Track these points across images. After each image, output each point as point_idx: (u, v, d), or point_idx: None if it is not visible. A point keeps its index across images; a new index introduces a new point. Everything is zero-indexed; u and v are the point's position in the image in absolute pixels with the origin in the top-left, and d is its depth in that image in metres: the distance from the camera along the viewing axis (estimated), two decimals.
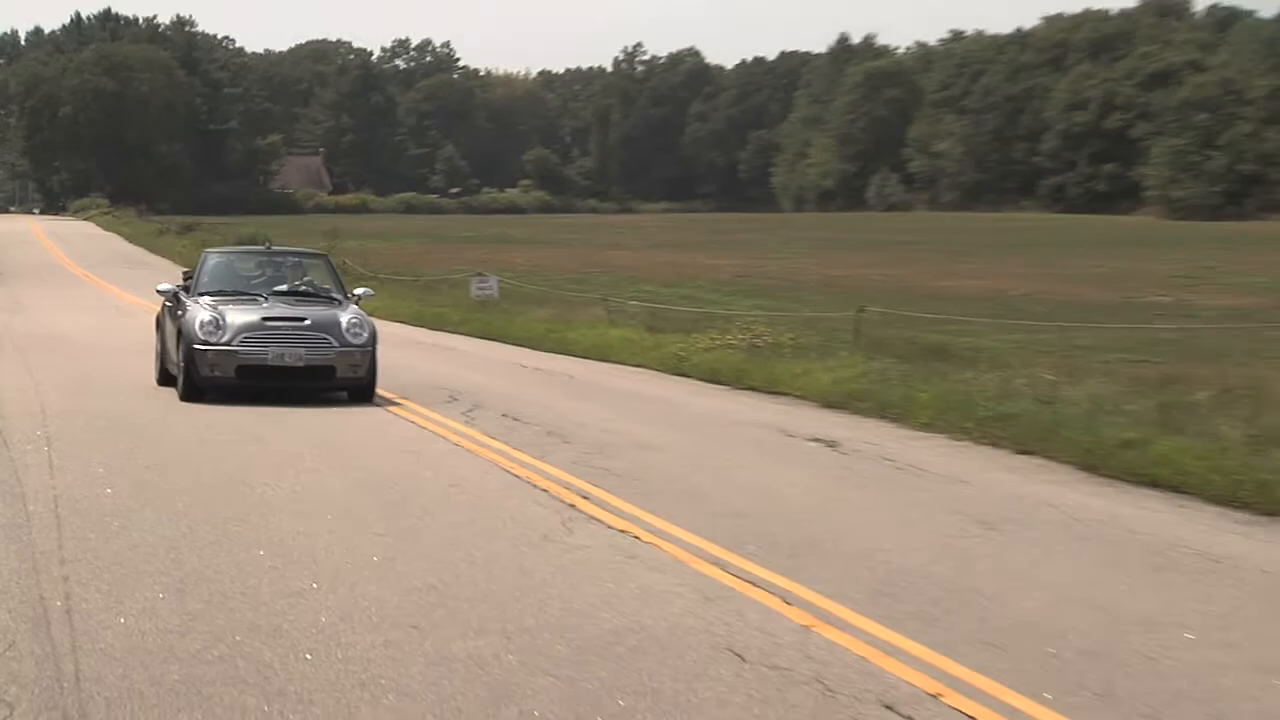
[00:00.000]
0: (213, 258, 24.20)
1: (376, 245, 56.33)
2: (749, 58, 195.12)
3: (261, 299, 22.29)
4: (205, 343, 20.75)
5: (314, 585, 10.73)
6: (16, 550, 11.52)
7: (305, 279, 23.42)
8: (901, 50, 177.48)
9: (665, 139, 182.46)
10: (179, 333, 21.45)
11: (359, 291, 23.66)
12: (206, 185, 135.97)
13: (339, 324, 21.43)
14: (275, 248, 26.16)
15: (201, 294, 22.17)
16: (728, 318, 29.70)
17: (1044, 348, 25.04)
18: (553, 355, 29.97)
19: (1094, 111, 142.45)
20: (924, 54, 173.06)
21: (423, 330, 36.36)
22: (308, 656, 8.86)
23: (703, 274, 51.38)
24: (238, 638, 9.24)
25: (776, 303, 36.24)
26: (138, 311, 38.27)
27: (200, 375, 20.88)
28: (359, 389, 21.63)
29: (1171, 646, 9.51)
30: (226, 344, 20.78)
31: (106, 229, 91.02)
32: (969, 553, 12.22)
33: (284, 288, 22.82)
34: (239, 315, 21.31)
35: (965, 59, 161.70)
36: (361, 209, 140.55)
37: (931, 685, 8.44)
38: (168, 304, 23.00)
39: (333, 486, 15.09)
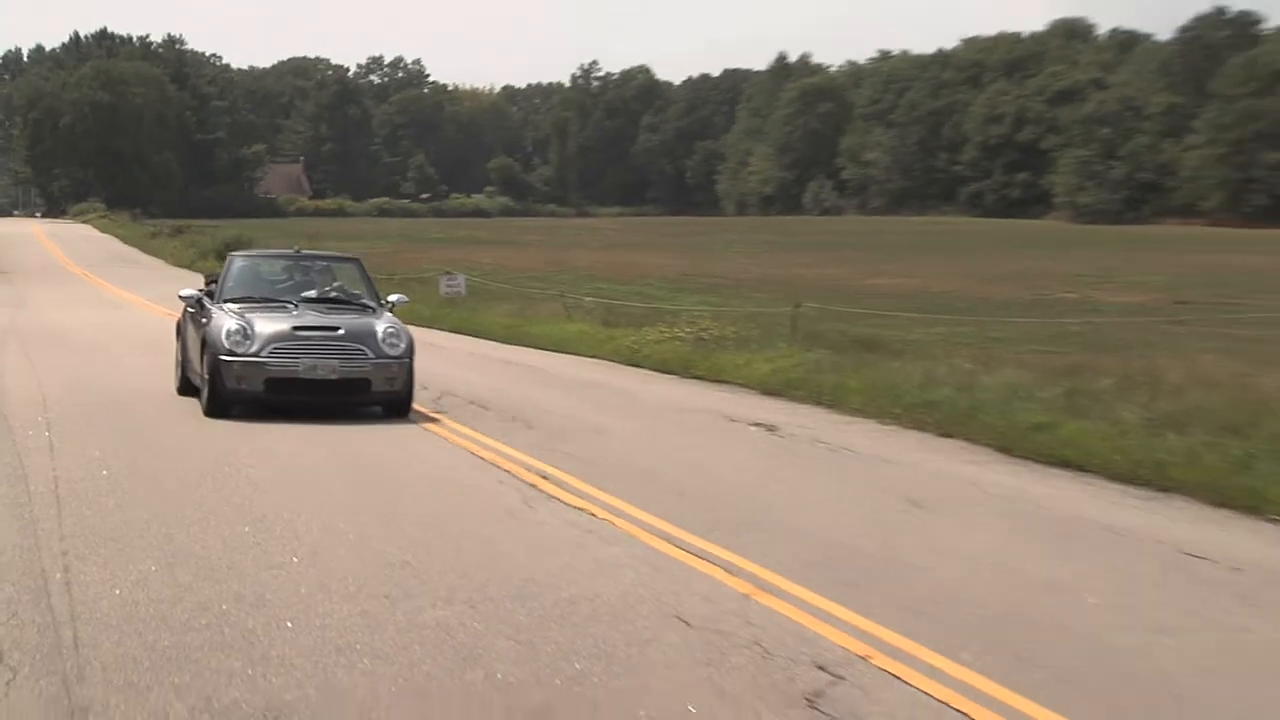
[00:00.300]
0: (238, 262, 20.84)
1: (353, 246, 55.84)
2: (695, 74, 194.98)
3: (291, 306, 19.11)
4: (232, 353, 17.80)
5: (294, 559, 10.72)
6: (19, 527, 11.46)
7: (336, 284, 20.24)
8: (834, 68, 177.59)
9: (618, 148, 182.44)
10: (203, 342, 18.38)
11: (393, 298, 20.38)
12: (196, 191, 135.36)
13: (374, 334, 18.37)
14: (305, 251, 22.09)
15: (227, 300, 19.13)
16: (675, 313, 29.63)
17: (963, 340, 25.13)
18: (516, 348, 29.72)
19: (1008, 125, 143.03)
20: (855, 72, 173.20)
21: None
22: (288, 625, 8.83)
23: (652, 273, 51.34)
24: (224, 607, 9.21)
25: (720, 299, 36.27)
26: (132, 307, 38.26)
27: (226, 388, 17.90)
28: (395, 404, 18.60)
29: (1077, 610, 9.63)
30: (254, 355, 17.78)
31: (103, 231, 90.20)
32: (896, 527, 12.27)
33: (313, 294, 19.65)
34: (268, 324, 18.25)
35: (892, 76, 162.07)
36: (339, 213, 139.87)
37: (861, 648, 8.48)
38: (190, 310, 20.00)
39: (314, 468, 15.01)
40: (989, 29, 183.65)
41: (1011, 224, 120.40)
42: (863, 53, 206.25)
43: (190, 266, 56.71)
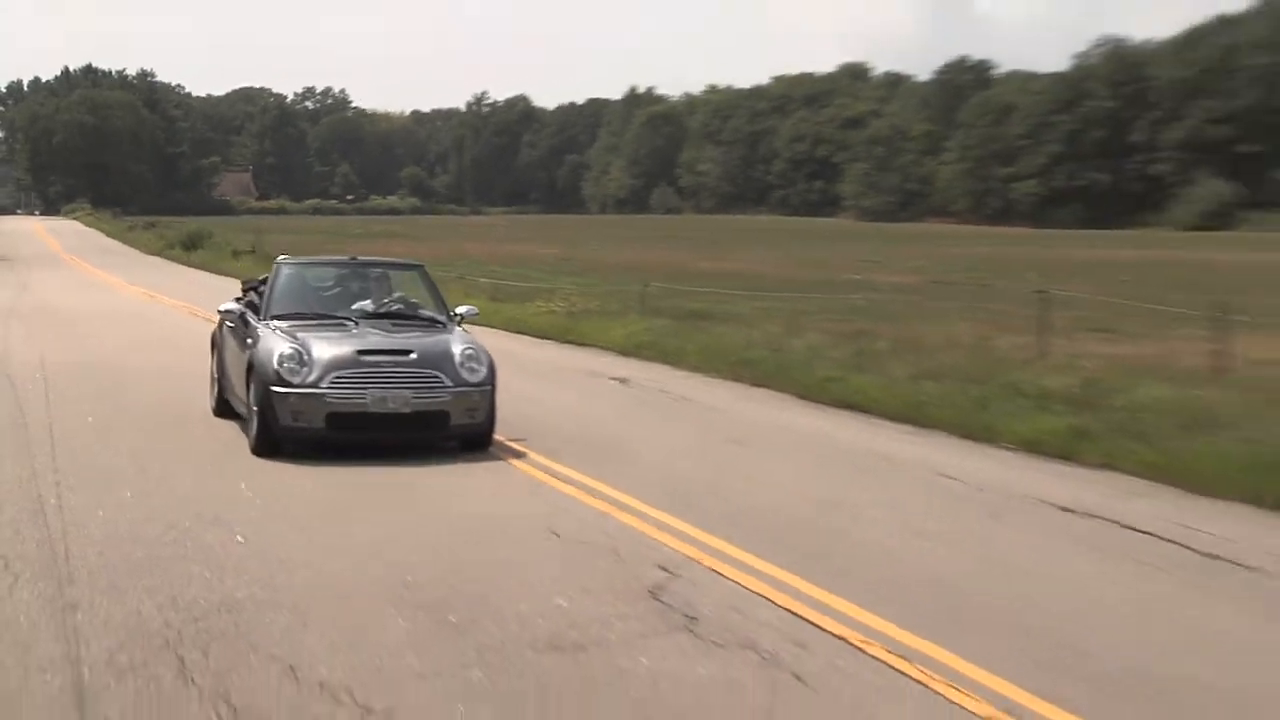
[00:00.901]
0: (286, 270, 14.15)
1: (291, 238, 55.31)
2: (565, 102, 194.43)
3: (350, 324, 13.08)
4: (285, 383, 11.93)
5: (242, 485, 10.63)
6: (22, 463, 11.26)
7: (396, 295, 14.18)
8: (675, 98, 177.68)
9: (505, 161, 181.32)
10: (249, 367, 12.55)
11: (462, 310, 14.22)
12: (164, 194, 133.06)
13: (451, 357, 12.55)
14: (362, 258, 15.57)
15: (275, 317, 13.10)
16: (551, 290, 29.52)
17: (775, 312, 25.21)
18: None
19: (808, 144, 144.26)
20: (690, 101, 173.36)
21: None
22: (239, 540, 8.77)
23: (533, 259, 51.11)
24: (187, 524, 9.12)
25: (586, 279, 36.16)
26: (112, 287, 37.39)
27: (279, 425, 11.98)
28: (475, 438, 12.64)
29: (860, 521, 9.74)
30: (313, 385, 11.99)
31: (90, 226, 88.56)
32: (722, 459, 12.32)
33: (369, 305, 13.62)
34: (326, 347, 12.34)
35: (719, 106, 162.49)
36: (281, 211, 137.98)
37: (693, 552, 8.56)
38: (229, 324, 14.05)
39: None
40: (794, 69, 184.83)
41: (811, 221, 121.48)
42: (697, 86, 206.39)
43: (160, 254, 56.13)
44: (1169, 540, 9.25)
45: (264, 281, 13.99)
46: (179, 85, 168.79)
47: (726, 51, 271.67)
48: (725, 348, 19.79)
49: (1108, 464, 11.95)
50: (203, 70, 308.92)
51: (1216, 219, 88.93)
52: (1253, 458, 11.03)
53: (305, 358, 11.80)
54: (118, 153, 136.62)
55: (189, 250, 52.88)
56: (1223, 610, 7.76)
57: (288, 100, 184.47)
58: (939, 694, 6.12)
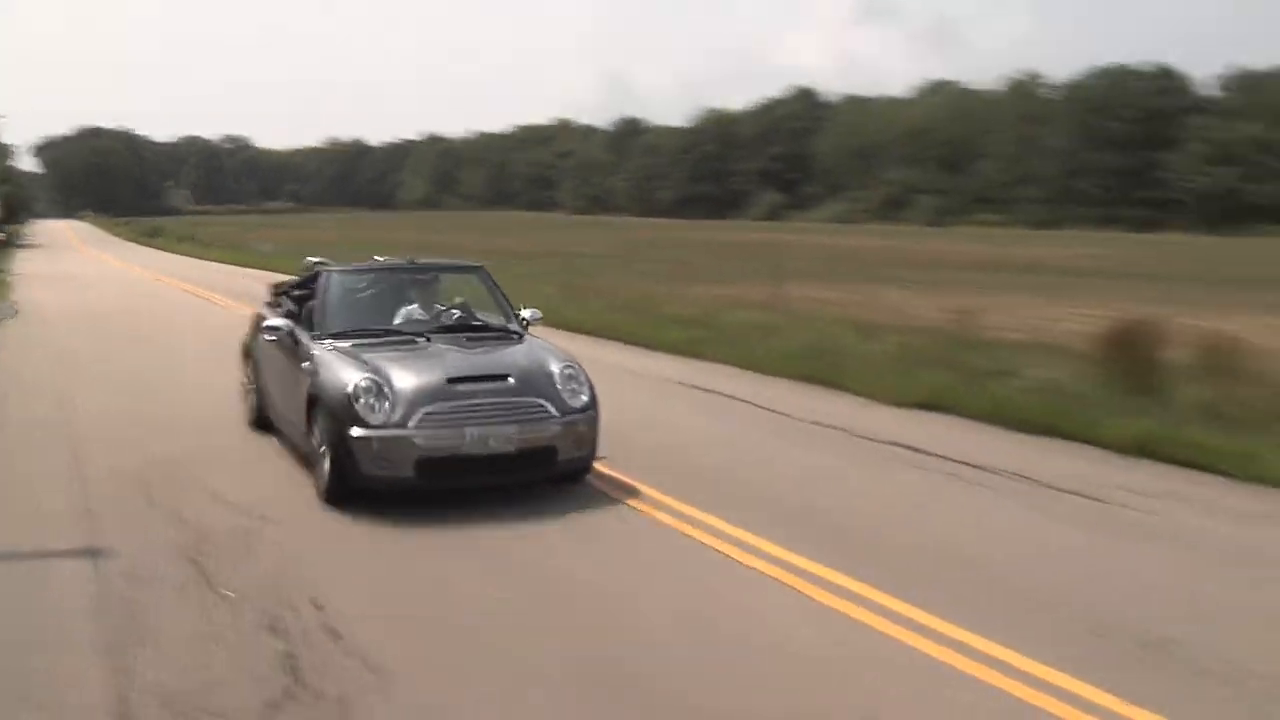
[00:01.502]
0: (337, 279, 7.29)
1: (215, 228, 53.13)
2: (387, 141, 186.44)
3: (421, 341, 6.68)
4: (364, 423, 5.87)
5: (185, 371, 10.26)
6: (47, 376, 10.65)
7: (458, 301, 7.53)
8: (455, 138, 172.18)
9: (347, 178, 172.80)
10: (314, 400, 6.30)
11: (526, 314, 7.37)
12: (137, 203, 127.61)
13: (552, 378, 6.35)
14: (421, 260, 7.82)
15: (332, 334, 6.79)
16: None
17: (526, 275, 24.99)
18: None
19: (538, 167, 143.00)
20: (469, 139, 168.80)
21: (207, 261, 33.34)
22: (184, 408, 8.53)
23: (348, 241, 49.07)
24: (150, 407, 8.88)
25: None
26: (102, 261, 34.76)
27: (360, 473, 5.89)
28: (578, 474, 6.43)
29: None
30: (399, 424, 5.84)
31: (93, 225, 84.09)
32: None
33: (418, 311, 7.16)
34: (407, 375, 6.08)
35: (488, 144, 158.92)
36: (207, 213, 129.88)
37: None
38: (268, 337, 7.26)
39: (198, 322, 13.73)
40: (528, 118, 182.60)
41: (540, 215, 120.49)
42: (475, 127, 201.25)
43: (134, 241, 53.10)
44: (740, 400, 9.38)
45: (301, 286, 7.82)
46: (147, 135, 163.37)
47: (483, 102, 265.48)
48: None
49: (715, 359, 11.67)
50: (161, 122, 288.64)
51: (771, 216, 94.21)
52: (791, 352, 11.11)
53: (386, 390, 6.05)
54: (110, 179, 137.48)
55: (150, 237, 53.31)
56: (772, 441, 7.75)
57: (212, 142, 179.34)
58: None
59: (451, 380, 6.03)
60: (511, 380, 6.15)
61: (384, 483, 5.87)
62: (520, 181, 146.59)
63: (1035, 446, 7.66)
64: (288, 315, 7.41)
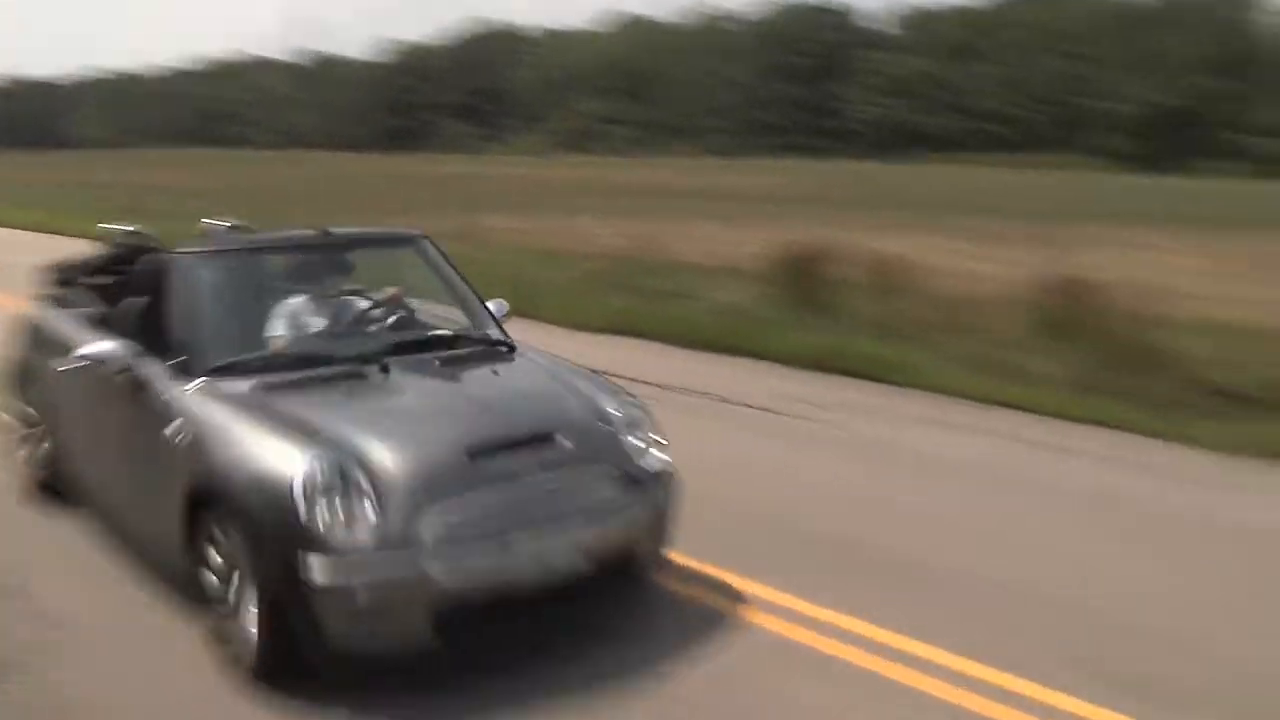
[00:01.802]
0: (204, 272, 3.52)
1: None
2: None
3: (375, 371, 3.28)
4: (333, 549, 2.59)
5: None
6: None
7: (392, 294, 3.91)
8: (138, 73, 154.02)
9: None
10: (202, 499, 2.92)
11: (491, 306, 4.08)
12: None
13: (611, 425, 3.29)
14: (335, 230, 3.96)
15: (214, 370, 3.19)
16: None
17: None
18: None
19: (227, 107, 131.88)
20: (150, 76, 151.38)
21: None
22: None
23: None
24: None
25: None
26: None
27: (327, 643, 2.64)
28: (649, 569, 3.30)
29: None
30: (396, 545, 2.65)
31: None
32: None
33: (346, 318, 3.70)
34: (396, 446, 2.84)
35: (168, 79, 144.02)
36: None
37: None
38: (75, 366, 3.48)
39: None
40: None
41: (236, 151, 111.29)
42: (148, 60, 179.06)
43: None
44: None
45: (108, 269, 4.66)
46: None
47: (155, 36, 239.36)
48: None
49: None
50: None
51: (469, 149, 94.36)
52: (482, 280, 11.15)
53: (360, 480, 2.87)
54: None
55: None
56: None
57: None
58: None
59: (473, 453, 3.05)
60: (564, 441, 3.24)
61: (373, 651, 2.86)
62: (206, 118, 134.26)
63: (718, 364, 7.86)
64: (99, 321, 4.04)
